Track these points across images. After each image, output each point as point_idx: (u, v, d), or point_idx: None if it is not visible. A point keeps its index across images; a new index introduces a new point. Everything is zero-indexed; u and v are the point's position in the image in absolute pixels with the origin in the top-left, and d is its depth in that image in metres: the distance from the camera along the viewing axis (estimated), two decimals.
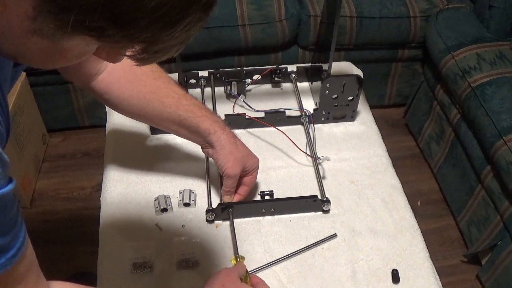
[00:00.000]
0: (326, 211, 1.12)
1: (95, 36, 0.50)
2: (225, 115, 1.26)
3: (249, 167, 1.06)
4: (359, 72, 1.38)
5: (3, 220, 0.55)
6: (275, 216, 1.11)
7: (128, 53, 0.54)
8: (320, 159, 1.18)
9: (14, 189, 0.56)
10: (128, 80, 0.99)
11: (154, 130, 1.25)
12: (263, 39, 1.97)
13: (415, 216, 1.13)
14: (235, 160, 1.02)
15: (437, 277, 1.03)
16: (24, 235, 0.60)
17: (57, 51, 0.54)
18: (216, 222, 1.09)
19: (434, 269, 1.04)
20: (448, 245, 1.92)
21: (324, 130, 1.30)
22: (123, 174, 1.17)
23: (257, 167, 1.09)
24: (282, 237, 1.07)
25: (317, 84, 1.28)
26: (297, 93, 1.36)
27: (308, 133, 1.25)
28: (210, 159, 1.19)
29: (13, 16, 0.49)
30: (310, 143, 1.22)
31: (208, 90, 1.35)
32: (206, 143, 1.04)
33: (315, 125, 1.27)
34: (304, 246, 1.05)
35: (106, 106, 1.35)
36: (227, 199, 1.08)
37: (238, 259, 0.99)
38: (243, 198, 1.09)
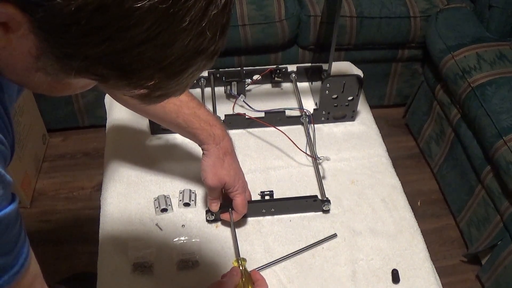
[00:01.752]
0: (326, 211, 1.12)
1: (98, 80, 0.50)
2: (225, 115, 1.26)
3: (230, 188, 1.03)
4: (359, 72, 1.38)
5: (6, 240, 0.54)
6: (275, 216, 1.11)
7: (130, 94, 0.53)
8: (320, 159, 1.18)
9: (17, 207, 0.55)
10: None
11: (154, 130, 1.25)
12: (263, 39, 1.97)
13: (415, 216, 1.13)
14: (215, 174, 1.01)
15: (437, 277, 1.03)
16: (28, 250, 0.59)
17: (61, 85, 0.54)
18: (216, 222, 1.09)
19: (434, 269, 1.04)
20: (448, 245, 1.92)
21: (324, 130, 1.30)
22: (123, 174, 1.17)
23: (240, 191, 1.04)
24: (282, 237, 1.07)
25: (317, 84, 1.28)
26: (297, 93, 1.36)
27: (308, 133, 1.25)
28: None
29: (17, 52, 0.49)
30: (310, 143, 1.22)
31: (208, 90, 1.35)
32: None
33: (315, 125, 1.27)
34: (304, 246, 1.05)
35: (106, 106, 1.36)
36: (213, 207, 1.06)
37: (239, 261, 0.99)
38: (237, 219, 1.06)
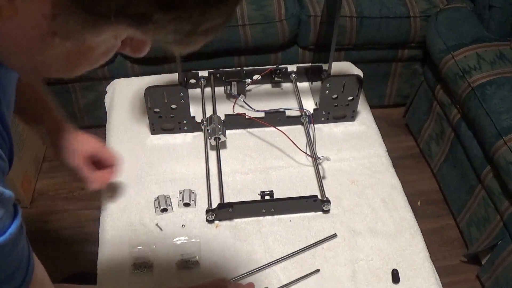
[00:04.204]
0: (326, 211, 1.12)
1: (136, 25, 0.43)
2: (225, 115, 1.26)
3: (100, 150, 1.08)
4: (359, 72, 1.38)
5: (12, 259, 0.52)
6: (275, 216, 1.11)
7: (169, 39, 0.47)
8: (320, 159, 1.18)
9: (21, 220, 0.52)
10: None
11: (154, 130, 1.25)
12: (263, 39, 1.97)
13: (415, 216, 1.13)
14: (87, 141, 1.09)
15: (437, 277, 1.03)
16: (33, 262, 0.57)
17: (81, 53, 0.48)
18: (216, 222, 1.09)
19: (434, 269, 1.04)
20: (448, 245, 1.92)
21: (324, 130, 1.30)
22: (123, 174, 1.17)
23: (107, 149, 1.07)
24: (282, 237, 1.07)
25: (317, 84, 1.28)
26: (297, 93, 1.36)
27: (308, 133, 1.25)
28: (211, 159, 1.19)
29: (27, 19, 0.43)
30: (310, 143, 1.22)
31: (208, 90, 1.35)
32: None
33: (315, 125, 1.27)
34: (304, 246, 1.05)
35: (106, 106, 1.36)
36: (96, 184, 1.06)
37: None
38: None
